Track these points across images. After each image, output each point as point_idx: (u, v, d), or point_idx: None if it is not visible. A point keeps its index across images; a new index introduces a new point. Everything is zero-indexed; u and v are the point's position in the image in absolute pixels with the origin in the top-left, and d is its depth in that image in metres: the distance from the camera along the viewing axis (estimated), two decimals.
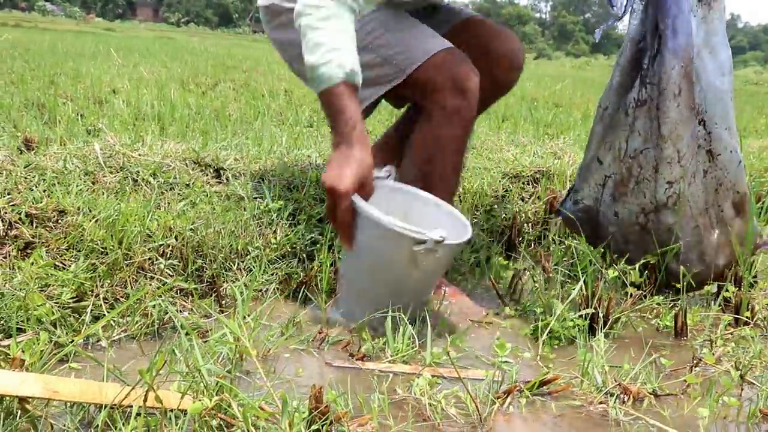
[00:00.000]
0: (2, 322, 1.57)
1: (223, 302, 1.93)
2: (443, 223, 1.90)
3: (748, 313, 2.04)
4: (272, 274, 2.07)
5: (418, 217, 1.95)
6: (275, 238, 2.14)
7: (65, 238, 1.87)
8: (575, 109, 8.59)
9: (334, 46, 1.81)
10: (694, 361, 1.71)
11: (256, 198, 2.29)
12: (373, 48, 2.04)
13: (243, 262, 2.06)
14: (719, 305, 2.11)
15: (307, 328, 1.83)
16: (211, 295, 1.96)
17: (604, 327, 1.90)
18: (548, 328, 1.83)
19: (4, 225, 1.84)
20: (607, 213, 2.19)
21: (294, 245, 2.18)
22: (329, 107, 1.83)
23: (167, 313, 1.77)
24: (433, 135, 2.00)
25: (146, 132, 4.24)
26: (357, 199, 1.78)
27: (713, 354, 1.79)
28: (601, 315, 1.91)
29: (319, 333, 1.78)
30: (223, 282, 1.99)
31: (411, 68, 2.01)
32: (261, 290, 2.04)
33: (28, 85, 6.41)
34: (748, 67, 42.40)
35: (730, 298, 2.10)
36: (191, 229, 2.00)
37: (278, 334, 1.75)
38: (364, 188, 1.81)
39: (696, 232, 2.12)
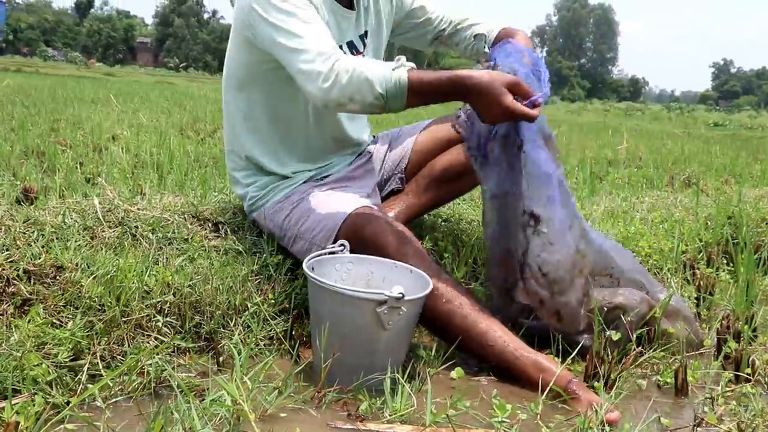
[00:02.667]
0: None
1: (221, 359, 1.92)
2: (404, 282, 1.94)
3: (748, 370, 2.03)
4: (270, 330, 2.06)
5: (379, 281, 2.01)
6: (273, 294, 2.14)
7: (63, 294, 1.86)
8: (572, 156, 8.65)
9: (368, 73, 1.91)
10: (696, 421, 1.70)
11: (254, 252, 2.29)
12: (300, 235, 2.22)
13: (241, 318, 2.05)
14: (720, 361, 2.10)
15: (305, 387, 1.82)
16: (209, 352, 1.95)
17: (605, 386, 1.88)
18: (548, 387, 1.81)
19: (1, 282, 1.83)
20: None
21: (292, 300, 2.17)
22: (427, 94, 1.94)
23: (165, 371, 1.75)
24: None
25: (145, 181, 4.26)
26: (312, 273, 1.84)
27: (714, 413, 1.78)
28: (602, 373, 1.90)
29: (318, 392, 1.76)
30: (221, 339, 1.98)
31: (329, 243, 2.12)
32: (259, 346, 2.03)
33: (28, 132, 6.45)
34: (742, 112, 42.75)
35: (730, 353, 2.09)
36: (189, 286, 2.00)
37: (276, 394, 1.73)
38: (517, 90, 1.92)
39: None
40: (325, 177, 2.39)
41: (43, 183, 4.15)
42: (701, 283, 2.71)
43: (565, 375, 1.84)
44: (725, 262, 3.17)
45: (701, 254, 3.16)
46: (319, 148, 2.39)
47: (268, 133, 2.32)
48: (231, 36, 2.29)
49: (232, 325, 2.03)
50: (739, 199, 3.72)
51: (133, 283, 1.92)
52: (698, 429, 1.69)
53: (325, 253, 2.01)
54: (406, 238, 2.06)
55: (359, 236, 2.09)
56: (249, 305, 2.08)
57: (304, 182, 2.35)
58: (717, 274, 2.98)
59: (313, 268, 1.93)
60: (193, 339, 1.97)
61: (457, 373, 1.94)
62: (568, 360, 1.98)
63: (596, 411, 1.68)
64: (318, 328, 1.86)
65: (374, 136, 2.70)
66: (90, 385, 1.66)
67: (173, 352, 1.90)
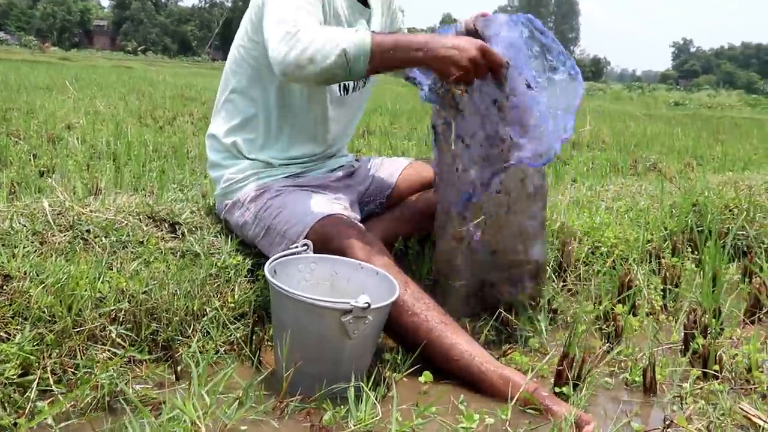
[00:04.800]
0: None
1: (179, 368, 1.85)
2: (369, 284, 1.92)
3: (716, 366, 2.01)
4: (230, 335, 2.00)
5: (345, 282, 1.97)
6: (233, 297, 2.07)
7: (10, 305, 1.77)
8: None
9: (331, 34, 1.87)
10: (666, 423, 1.67)
11: (212, 254, 2.21)
12: (273, 227, 2.19)
13: (199, 323, 1.98)
14: (687, 358, 2.08)
15: (267, 396, 1.75)
16: (167, 361, 1.88)
17: (574, 389, 1.85)
18: (516, 396, 1.77)
19: None
20: None
21: (252, 303, 2.11)
22: (389, 58, 1.90)
23: (119, 384, 1.68)
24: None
25: (101, 174, 4.15)
26: (274, 279, 1.78)
27: (684, 413, 1.75)
28: (572, 375, 1.87)
29: (280, 402, 1.70)
30: (179, 346, 1.91)
31: (300, 238, 2.10)
32: (219, 353, 1.96)
33: None
34: (701, 91, 43.27)
35: (697, 349, 2.07)
36: (145, 292, 1.92)
37: (236, 406, 1.67)
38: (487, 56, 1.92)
39: None
40: (306, 178, 2.34)
41: None
42: (667, 274, 2.69)
43: (533, 386, 1.80)
44: (690, 250, 3.17)
45: (666, 243, 3.15)
46: (306, 145, 2.36)
47: (262, 120, 2.29)
48: (243, 20, 2.27)
49: (190, 331, 1.96)
50: (704, 186, 3.72)
51: (86, 290, 1.84)
52: (668, 431, 1.66)
53: (289, 254, 1.94)
54: (375, 248, 2.01)
55: (328, 241, 2.04)
56: (208, 310, 2.01)
57: (285, 177, 2.30)
58: (682, 264, 2.97)
59: (275, 272, 1.87)
60: (150, 348, 1.90)
61: (425, 377, 1.89)
62: (533, 373, 1.94)
63: (569, 421, 1.64)
64: (280, 335, 1.80)
65: (357, 159, 2.67)
66: (40, 402, 1.59)
67: (129, 362, 1.83)
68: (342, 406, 1.68)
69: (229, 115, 2.32)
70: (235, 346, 2.00)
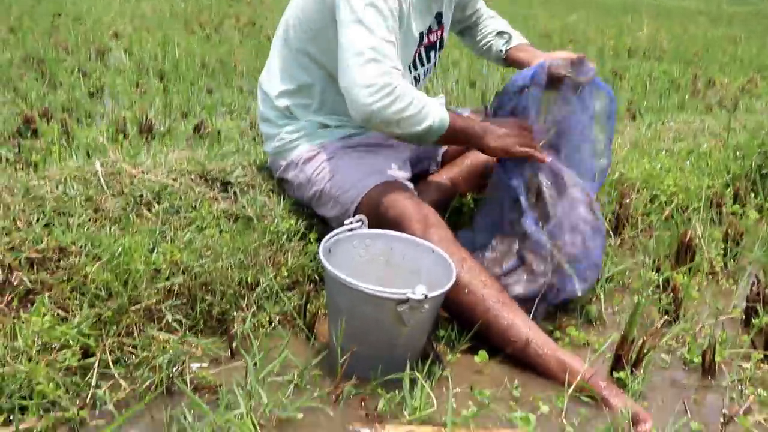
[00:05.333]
0: (3, 398, 1.50)
1: (233, 344, 1.85)
2: (425, 263, 1.90)
3: None
4: (284, 306, 1.99)
5: (400, 258, 1.94)
6: (286, 265, 2.06)
7: (68, 281, 1.78)
8: (590, 44, 8.36)
9: (421, 103, 1.95)
10: (725, 419, 1.65)
11: (265, 216, 2.19)
12: (327, 192, 2.17)
13: (254, 294, 1.98)
14: (749, 336, 2.03)
15: (321, 378, 1.76)
16: (221, 336, 1.89)
17: (632, 373, 1.82)
18: (573, 386, 1.75)
19: (3, 272, 1.75)
20: None
21: (306, 270, 2.10)
22: (457, 138, 2.06)
23: (176, 365, 1.70)
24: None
25: (150, 101, 4.11)
26: (329, 265, 1.74)
27: (744, 404, 1.72)
28: (629, 359, 1.84)
29: (335, 388, 1.70)
30: (233, 321, 1.91)
31: (353, 205, 2.09)
32: (272, 322, 1.96)
33: (28, 33, 6.22)
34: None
35: (761, 326, 2.02)
36: (199, 265, 1.92)
37: (292, 389, 1.68)
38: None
39: None
40: (360, 138, 2.26)
41: (44, 102, 4.02)
42: (728, 230, 2.60)
43: (590, 372, 1.77)
44: (754, 196, 3.06)
45: (729, 189, 3.04)
46: None
47: (319, 90, 2.20)
48: None
49: (244, 303, 1.96)
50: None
51: (141, 264, 1.84)
52: (728, 427, 1.64)
53: (343, 231, 1.91)
54: (431, 220, 1.97)
55: (383, 210, 2.01)
56: (261, 280, 2.00)
57: (340, 138, 2.24)
58: (744, 212, 2.88)
59: (329, 250, 1.84)
60: (205, 320, 1.90)
61: (480, 357, 1.88)
62: (594, 358, 1.90)
63: (625, 417, 1.62)
64: (335, 318, 1.78)
65: None
66: (100, 390, 1.61)
67: (183, 337, 1.84)
68: (397, 392, 1.68)
69: (284, 77, 2.23)
70: (288, 317, 2.00)
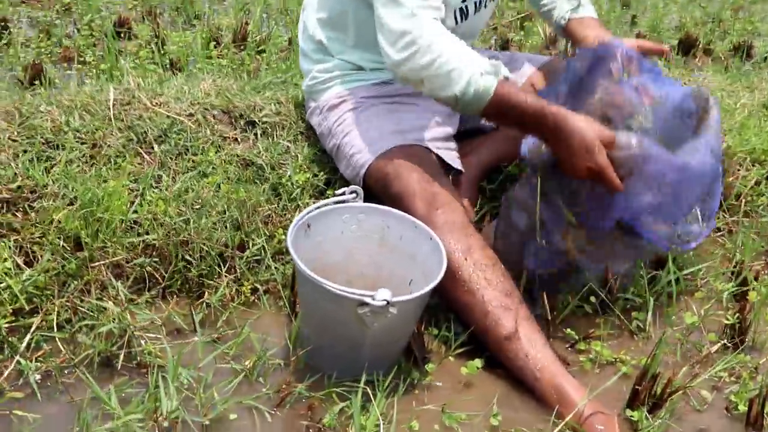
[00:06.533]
0: None
1: (201, 314, 1.67)
2: (422, 249, 1.61)
3: None
4: (272, 274, 1.80)
5: (396, 238, 1.66)
6: (282, 227, 1.85)
7: (38, 226, 1.67)
8: None
9: (450, 66, 1.60)
10: None
11: (281, 165, 1.98)
12: (342, 147, 1.89)
13: (242, 258, 1.79)
14: None
15: (278, 372, 1.56)
16: (195, 299, 1.72)
17: (652, 413, 1.50)
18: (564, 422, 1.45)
19: None
20: None
21: None
22: (506, 115, 1.65)
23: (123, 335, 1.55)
24: None
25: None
26: (292, 247, 1.50)
27: None
28: (655, 392, 1.51)
29: (287, 385, 1.50)
30: (206, 289, 1.74)
31: (362, 172, 1.82)
32: (257, 291, 1.77)
33: None
34: None
35: None
36: (184, 220, 1.74)
37: (236, 385, 1.49)
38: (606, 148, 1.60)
39: None
40: (398, 85, 1.94)
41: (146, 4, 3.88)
42: None
43: (590, 409, 1.46)
44: None
45: None
46: None
47: (352, 20, 1.90)
48: None
49: (224, 270, 1.77)
50: None
51: (118, 214, 1.69)
52: None
53: (333, 203, 1.67)
54: (439, 201, 1.67)
55: (387, 183, 1.74)
56: (251, 243, 1.80)
57: (375, 84, 1.96)
58: None
59: (309, 226, 1.61)
60: (183, 284, 1.74)
61: (469, 368, 1.60)
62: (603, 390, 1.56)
63: None
64: (303, 310, 1.58)
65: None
66: (23, 359, 1.48)
67: (153, 301, 1.70)
68: (349, 407, 1.45)
69: (320, 3, 1.95)
70: (272, 289, 1.79)
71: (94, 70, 2.86)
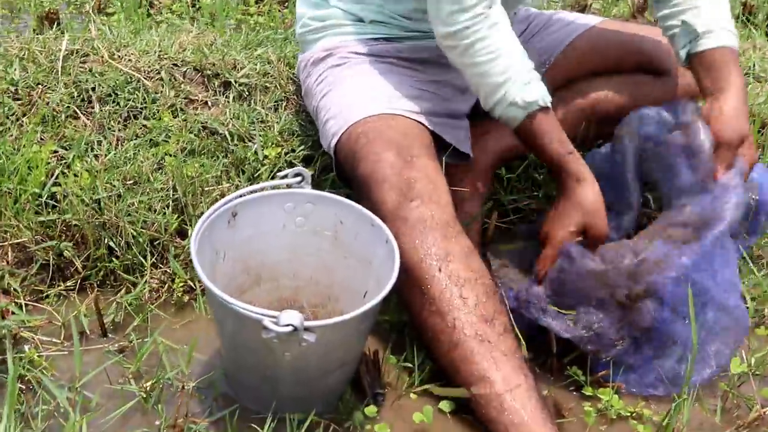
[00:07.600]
0: None
1: (113, 315, 1.38)
2: (378, 252, 1.25)
3: None
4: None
5: (352, 237, 1.30)
6: None
7: None
8: None
9: (504, 64, 1.35)
10: None
11: (252, 137, 1.64)
12: (319, 109, 1.55)
13: (181, 246, 1.47)
14: None
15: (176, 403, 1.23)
16: (116, 293, 1.42)
17: None
18: None
19: None
20: None
21: None
22: (529, 144, 1.42)
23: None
24: None
25: None
26: (195, 255, 1.15)
27: None
28: None
29: (181, 419, 1.17)
30: (131, 284, 1.43)
31: (332, 142, 1.46)
32: (193, 288, 1.46)
33: None
34: None
35: None
36: (111, 197, 1.44)
37: (127, 410, 1.19)
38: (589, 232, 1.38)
39: None
40: (399, 45, 1.59)
41: None
42: None
43: None
44: None
45: None
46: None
47: None
48: None
49: (149, 262, 1.45)
50: None
51: (31, 187, 1.41)
52: None
53: (269, 187, 1.32)
54: (416, 191, 1.29)
55: (356, 162, 1.37)
56: (190, 229, 1.48)
57: (371, 38, 1.59)
58: None
59: (235, 215, 1.27)
60: (104, 274, 1.45)
61: (425, 415, 1.22)
62: None
63: None
64: (218, 329, 1.25)
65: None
66: None
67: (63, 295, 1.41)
68: None
69: None
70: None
71: (115, 23, 2.59)
